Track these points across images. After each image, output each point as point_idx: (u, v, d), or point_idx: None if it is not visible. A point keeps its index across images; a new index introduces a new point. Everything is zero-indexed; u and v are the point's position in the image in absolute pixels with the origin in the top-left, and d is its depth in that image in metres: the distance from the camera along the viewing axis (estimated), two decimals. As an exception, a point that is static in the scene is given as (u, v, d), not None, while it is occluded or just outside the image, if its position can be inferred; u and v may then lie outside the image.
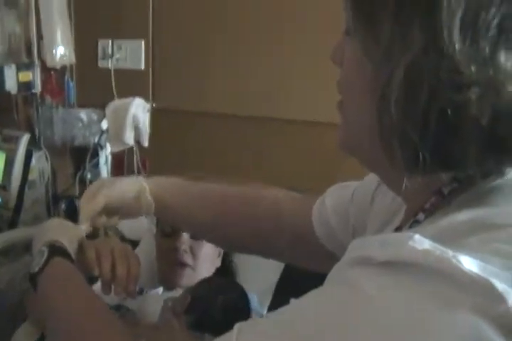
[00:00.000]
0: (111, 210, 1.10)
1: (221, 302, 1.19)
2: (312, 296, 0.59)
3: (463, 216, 0.56)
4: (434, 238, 0.52)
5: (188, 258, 1.40)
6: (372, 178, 0.91)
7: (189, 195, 1.12)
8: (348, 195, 0.97)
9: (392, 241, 0.55)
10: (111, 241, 1.14)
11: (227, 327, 1.20)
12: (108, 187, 1.10)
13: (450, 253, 0.50)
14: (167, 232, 1.45)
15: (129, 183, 1.11)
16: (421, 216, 0.64)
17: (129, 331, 0.93)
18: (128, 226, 1.86)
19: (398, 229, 0.74)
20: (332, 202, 0.99)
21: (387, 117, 0.56)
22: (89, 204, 1.07)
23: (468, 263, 0.49)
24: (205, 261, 1.43)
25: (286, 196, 1.12)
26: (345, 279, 0.57)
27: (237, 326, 0.63)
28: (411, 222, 0.66)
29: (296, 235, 1.04)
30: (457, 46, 0.52)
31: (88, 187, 1.13)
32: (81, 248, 1.07)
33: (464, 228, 0.54)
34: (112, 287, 1.07)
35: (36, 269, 0.95)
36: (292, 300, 0.64)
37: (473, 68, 0.52)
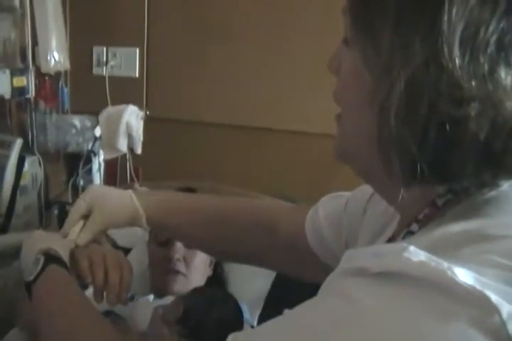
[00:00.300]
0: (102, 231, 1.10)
1: (216, 314, 1.18)
2: (306, 307, 0.59)
3: (457, 227, 0.56)
4: (428, 249, 0.52)
5: (181, 267, 1.40)
6: (365, 189, 0.91)
7: (183, 212, 1.11)
8: (341, 205, 0.97)
9: (387, 252, 0.55)
10: (103, 248, 1.13)
11: (219, 339, 1.19)
12: (101, 213, 1.06)
13: (445, 265, 0.50)
14: (161, 241, 1.45)
15: (123, 206, 1.07)
16: (414, 226, 0.64)
17: (121, 338, 0.93)
18: (120, 234, 1.85)
19: (391, 239, 0.74)
20: (325, 212, 0.99)
21: (386, 129, 0.56)
22: (81, 234, 1.06)
23: (463, 275, 0.49)
24: (197, 269, 1.43)
25: (281, 206, 1.12)
26: (338, 290, 0.57)
27: (231, 336, 0.63)
28: (404, 232, 0.66)
29: (291, 245, 1.04)
30: (457, 61, 0.52)
31: (79, 200, 1.09)
32: (72, 256, 1.07)
33: (458, 239, 0.55)
34: (104, 294, 1.06)
35: (32, 277, 0.95)
36: (286, 311, 0.63)
37: (473, 83, 0.52)
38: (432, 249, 0.52)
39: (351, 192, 0.98)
